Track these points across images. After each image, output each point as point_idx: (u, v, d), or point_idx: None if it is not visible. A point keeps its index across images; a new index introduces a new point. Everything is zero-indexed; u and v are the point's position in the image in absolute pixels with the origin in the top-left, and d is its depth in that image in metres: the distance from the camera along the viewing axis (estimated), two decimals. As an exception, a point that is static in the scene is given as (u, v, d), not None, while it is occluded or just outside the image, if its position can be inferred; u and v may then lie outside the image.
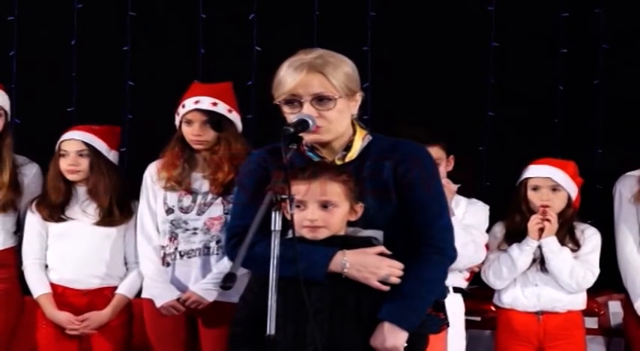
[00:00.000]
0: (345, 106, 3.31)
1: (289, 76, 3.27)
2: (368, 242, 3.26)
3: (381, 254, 3.24)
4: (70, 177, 4.66)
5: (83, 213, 4.67)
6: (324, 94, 3.26)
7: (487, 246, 4.78)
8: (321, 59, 3.28)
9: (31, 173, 4.79)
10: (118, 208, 4.64)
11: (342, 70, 3.30)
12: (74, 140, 4.66)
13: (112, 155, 4.71)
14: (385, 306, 3.21)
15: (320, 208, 3.22)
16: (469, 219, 4.68)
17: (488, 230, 4.87)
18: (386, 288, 3.22)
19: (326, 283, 3.18)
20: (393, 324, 3.20)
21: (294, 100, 3.27)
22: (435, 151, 4.43)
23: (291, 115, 3.27)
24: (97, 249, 4.66)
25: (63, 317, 4.62)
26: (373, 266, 3.21)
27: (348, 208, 3.26)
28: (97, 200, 4.64)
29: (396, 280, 3.22)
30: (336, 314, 3.19)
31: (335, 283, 3.20)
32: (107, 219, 4.63)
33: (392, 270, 3.22)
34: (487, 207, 4.82)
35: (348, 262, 3.20)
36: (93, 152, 4.65)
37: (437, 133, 4.62)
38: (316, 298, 3.16)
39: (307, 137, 3.27)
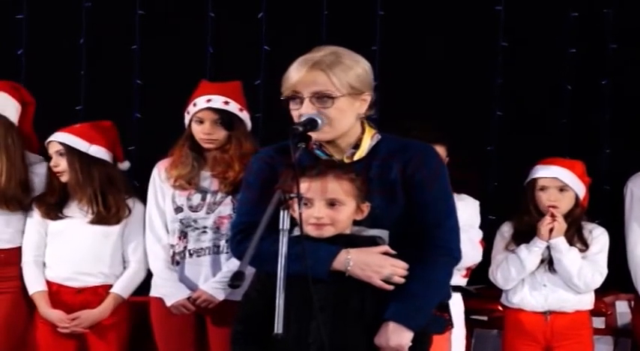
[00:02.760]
0: (348, 105, 3.28)
1: (293, 73, 3.27)
2: (372, 241, 3.26)
3: (386, 254, 3.23)
4: (62, 178, 4.68)
5: (80, 211, 4.65)
6: (323, 91, 3.25)
7: (481, 242, 4.77)
8: (331, 57, 3.27)
9: (42, 172, 4.78)
10: (102, 203, 4.59)
11: (352, 69, 3.28)
12: (52, 142, 4.67)
13: (92, 150, 4.63)
14: (391, 306, 3.21)
15: (326, 206, 3.22)
16: (461, 217, 4.64)
17: (494, 230, 4.88)
18: (389, 287, 3.21)
19: (329, 281, 3.18)
20: (398, 323, 3.19)
21: (296, 97, 3.27)
22: (439, 151, 4.41)
23: (294, 112, 3.27)
24: (93, 247, 4.63)
25: (54, 315, 4.60)
26: (376, 265, 3.21)
27: (355, 207, 3.25)
28: (76, 196, 4.63)
29: (399, 280, 3.22)
30: (340, 313, 3.19)
31: (339, 282, 3.20)
32: (98, 217, 4.60)
33: (395, 269, 3.22)
34: (477, 202, 4.79)
35: (352, 260, 3.20)
36: (69, 150, 4.63)
37: (441, 133, 4.61)
38: (320, 296, 3.15)
39: (312, 135, 3.26)
